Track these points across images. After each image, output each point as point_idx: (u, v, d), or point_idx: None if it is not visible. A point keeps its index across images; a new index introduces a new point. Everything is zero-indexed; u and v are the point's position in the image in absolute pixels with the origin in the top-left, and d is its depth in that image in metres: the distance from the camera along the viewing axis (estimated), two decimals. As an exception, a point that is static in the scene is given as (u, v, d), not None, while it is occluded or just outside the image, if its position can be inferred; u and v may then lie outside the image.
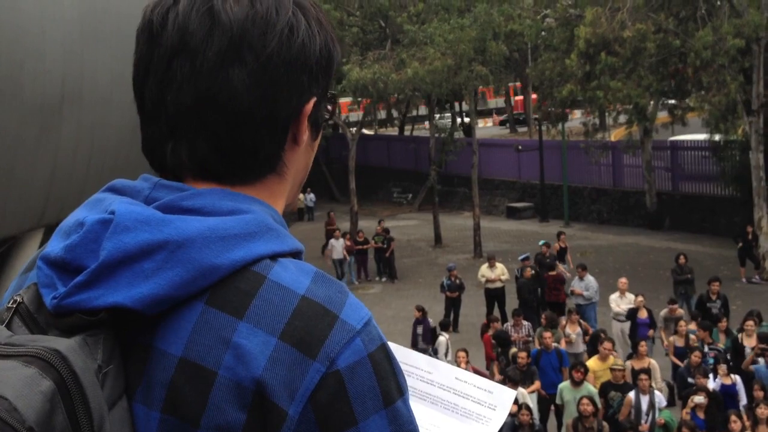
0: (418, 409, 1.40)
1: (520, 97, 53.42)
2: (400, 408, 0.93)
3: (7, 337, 0.87)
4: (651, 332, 13.96)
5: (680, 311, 14.62)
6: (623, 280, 15.29)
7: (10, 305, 0.93)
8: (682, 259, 16.93)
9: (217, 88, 0.96)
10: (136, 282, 0.89)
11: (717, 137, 23.97)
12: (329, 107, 1.10)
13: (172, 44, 0.98)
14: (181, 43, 0.97)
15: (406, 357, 1.47)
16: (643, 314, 14.21)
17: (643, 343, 12.40)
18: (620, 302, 14.89)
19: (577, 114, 32.38)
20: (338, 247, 22.73)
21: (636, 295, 14.69)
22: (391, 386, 0.92)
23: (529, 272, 16.95)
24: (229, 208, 0.95)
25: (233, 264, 0.91)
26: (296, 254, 0.98)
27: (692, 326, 13.38)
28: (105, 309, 0.89)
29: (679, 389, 11.65)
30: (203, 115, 0.97)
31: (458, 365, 12.10)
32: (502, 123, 55.80)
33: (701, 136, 26.94)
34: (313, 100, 1.02)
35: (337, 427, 0.88)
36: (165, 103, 0.99)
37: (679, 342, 13.08)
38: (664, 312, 14.32)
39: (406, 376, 1.47)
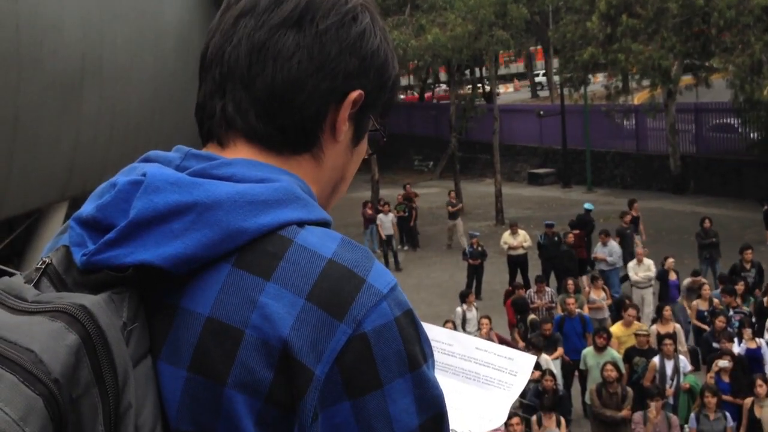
0: (441, 379, 1.43)
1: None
2: (426, 373, 0.94)
3: (35, 295, 0.88)
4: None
5: (703, 281, 14.48)
6: (639, 249, 15.17)
7: (39, 266, 0.95)
8: (707, 223, 16.77)
9: (270, 44, 1.01)
10: (164, 241, 0.91)
11: (741, 99, 23.63)
12: (380, 124, 1.12)
13: (243, 6, 1.04)
14: (251, 4, 1.03)
15: (425, 330, 1.49)
16: (673, 276, 14.26)
17: (667, 307, 12.35)
18: (638, 270, 14.74)
19: (600, 78, 32.01)
20: (387, 222, 20.98)
21: (665, 258, 14.68)
22: (416, 351, 0.93)
23: (572, 237, 16.78)
24: (259, 177, 0.97)
25: (260, 228, 0.92)
26: (323, 224, 0.99)
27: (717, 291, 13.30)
28: (133, 266, 0.90)
29: (704, 354, 11.63)
30: (252, 70, 1.01)
31: (481, 332, 12.14)
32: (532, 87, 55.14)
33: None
34: (359, 92, 1.04)
35: (362, 388, 0.89)
36: (223, 53, 1.03)
37: (703, 305, 13.02)
38: (687, 281, 14.26)
39: None
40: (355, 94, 1.04)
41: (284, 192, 0.96)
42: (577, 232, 17.70)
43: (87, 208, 0.97)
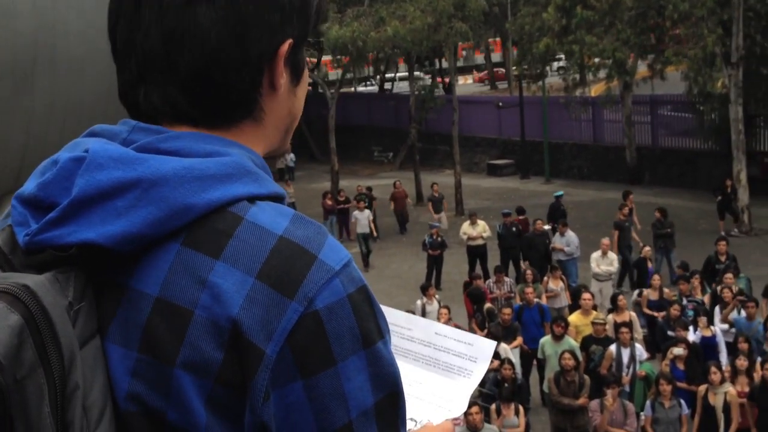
0: (399, 366, 1.42)
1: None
2: (381, 349, 0.92)
3: None
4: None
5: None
6: (606, 241, 15.10)
7: None
8: (657, 214, 17.01)
9: (183, 27, 0.94)
10: (108, 219, 0.88)
11: (695, 91, 24.03)
12: (316, 53, 1.08)
13: None
14: None
15: (385, 314, 1.48)
16: (650, 264, 14.65)
17: (622, 296, 12.51)
18: (601, 262, 14.72)
19: (559, 63, 32.30)
20: (363, 219, 20.10)
21: (642, 245, 14.93)
22: (371, 327, 0.91)
23: (540, 224, 16.82)
24: (207, 151, 0.93)
25: (209, 204, 0.89)
26: (276, 198, 0.96)
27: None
28: (77, 245, 0.88)
29: (659, 342, 11.82)
30: (171, 57, 0.95)
31: (440, 322, 12.19)
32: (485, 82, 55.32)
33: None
34: (289, 41, 0.99)
35: (315, 367, 0.87)
36: (134, 45, 0.97)
37: (653, 295, 13.17)
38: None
39: None
40: (285, 46, 0.99)
41: (234, 166, 0.93)
42: (522, 217, 18.35)
43: (29, 186, 0.94)
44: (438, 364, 1.44)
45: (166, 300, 0.89)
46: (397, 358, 1.43)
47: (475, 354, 1.44)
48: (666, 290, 13.23)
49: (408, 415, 1.37)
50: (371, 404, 0.90)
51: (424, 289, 14.00)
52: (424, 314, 13.12)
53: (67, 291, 0.87)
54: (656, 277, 13.59)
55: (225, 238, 0.89)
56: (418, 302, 13.61)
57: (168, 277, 0.89)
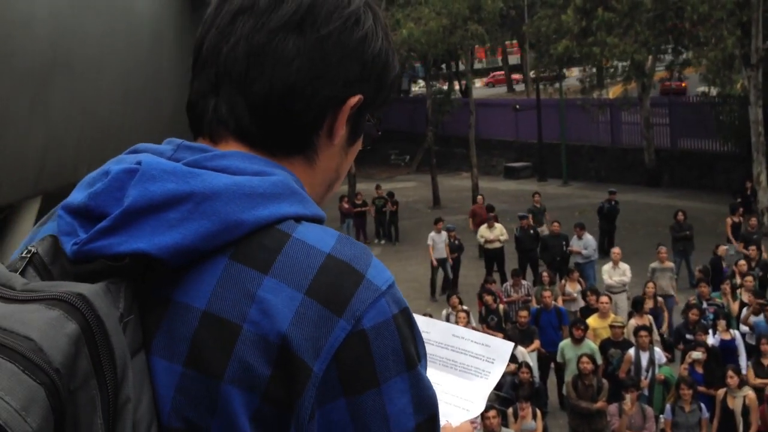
0: None
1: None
2: (421, 372, 0.92)
3: (23, 284, 0.86)
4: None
5: (669, 263, 14.45)
6: (616, 250, 14.72)
7: (24, 255, 0.92)
8: (680, 216, 16.87)
9: (270, 48, 0.97)
10: (160, 230, 0.88)
11: (714, 92, 23.88)
12: (376, 123, 1.10)
13: (242, 3, 1.00)
14: (250, 2, 1.00)
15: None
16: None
17: (644, 300, 12.34)
18: (613, 273, 14.10)
19: (575, 72, 32.15)
20: (440, 243, 17.46)
21: (658, 245, 14.52)
22: (412, 350, 0.91)
23: (557, 226, 16.72)
24: (255, 170, 0.94)
25: (258, 221, 0.90)
26: (318, 221, 0.97)
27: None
28: (128, 255, 0.87)
29: (676, 345, 11.71)
30: (250, 73, 0.98)
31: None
32: (489, 84, 55.05)
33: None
34: (359, 97, 1.02)
35: (359, 386, 0.87)
36: (219, 53, 1.00)
37: (648, 304, 12.54)
38: (654, 264, 14.21)
39: None
40: (354, 100, 1.01)
41: (282, 186, 0.94)
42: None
43: (77, 197, 0.94)
44: (456, 366, 1.45)
45: (213, 314, 0.88)
46: None
47: (492, 355, 1.46)
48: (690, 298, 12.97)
49: None
50: (412, 427, 0.90)
51: (448, 298, 13.45)
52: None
53: (118, 302, 0.87)
54: (650, 285, 13.09)
55: (274, 254, 0.89)
56: (444, 312, 13.06)
57: (216, 290, 0.88)
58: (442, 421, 1.38)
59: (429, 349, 1.46)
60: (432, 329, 1.48)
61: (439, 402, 1.43)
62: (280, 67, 0.97)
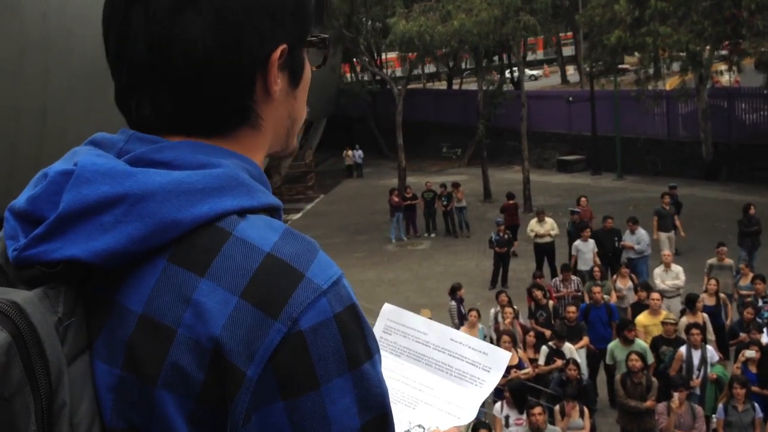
0: (412, 370, 1.46)
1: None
2: (368, 371, 0.89)
3: None
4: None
5: (728, 261, 14.01)
6: (667, 252, 14.20)
7: None
8: (752, 210, 16.17)
9: (170, 35, 0.92)
10: (94, 235, 0.87)
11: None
12: (320, 52, 1.05)
13: None
14: None
15: (401, 318, 1.50)
16: (727, 262, 13.76)
17: (700, 299, 12.02)
18: (665, 277, 13.45)
19: (633, 61, 31.58)
20: (588, 252, 15.33)
21: (718, 244, 13.84)
22: (358, 349, 0.88)
23: (611, 223, 16.39)
24: (200, 162, 0.92)
25: (195, 219, 0.88)
26: (271, 210, 0.94)
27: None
28: (63, 261, 0.87)
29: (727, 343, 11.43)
30: (160, 66, 0.93)
31: (505, 321, 11.96)
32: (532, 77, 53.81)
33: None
34: (281, 47, 0.97)
35: (298, 389, 0.85)
36: (124, 55, 0.96)
37: (709, 301, 12.33)
38: (711, 260, 13.76)
39: (402, 338, 1.50)
40: (278, 53, 0.97)
41: (225, 178, 0.91)
42: (512, 202, 19.91)
43: (20, 199, 0.94)
44: (451, 371, 1.44)
45: (150, 317, 0.87)
46: (410, 362, 1.47)
47: (490, 363, 1.44)
48: (743, 292, 12.63)
49: (416, 421, 1.39)
50: (357, 427, 0.88)
51: (497, 296, 13.05)
52: (496, 322, 12.44)
53: (56, 307, 0.87)
54: (712, 282, 12.75)
55: (211, 254, 0.87)
56: (492, 311, 12.81)
57: (153, 293, 0.88)
58: (431, 426, 1.35)
59: (425, 351, 1.47)
60: (430, 331, 1.48)
61: (429, 406, 1.41)
62: (187, 51, 0.92)
